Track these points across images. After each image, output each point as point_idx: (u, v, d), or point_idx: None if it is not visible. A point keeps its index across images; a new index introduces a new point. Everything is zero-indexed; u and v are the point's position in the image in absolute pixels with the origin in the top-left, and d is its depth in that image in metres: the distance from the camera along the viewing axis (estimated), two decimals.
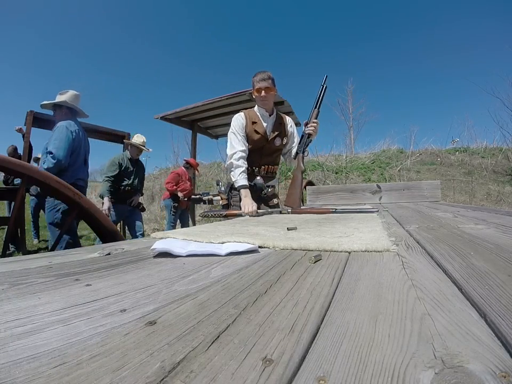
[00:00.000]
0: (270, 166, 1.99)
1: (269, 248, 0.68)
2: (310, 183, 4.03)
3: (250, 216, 1.61)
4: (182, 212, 4.62)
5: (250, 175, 1.93)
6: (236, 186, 1.86)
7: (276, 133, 1.95)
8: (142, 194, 3.70)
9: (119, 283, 0.42)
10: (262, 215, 1.63)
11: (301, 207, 1.97)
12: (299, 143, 1.90)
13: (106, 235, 1.45)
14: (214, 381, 0.19)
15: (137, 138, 3.40)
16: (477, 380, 0.18)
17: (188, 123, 5.52)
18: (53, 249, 1.56)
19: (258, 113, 1.94)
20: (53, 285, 0.42)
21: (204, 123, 5.67)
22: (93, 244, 2.75)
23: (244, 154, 1.84)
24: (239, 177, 1.82)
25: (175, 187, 4.33)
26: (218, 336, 0.25)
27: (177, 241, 0.73)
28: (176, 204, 4.40)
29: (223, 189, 2.34)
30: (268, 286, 0.40)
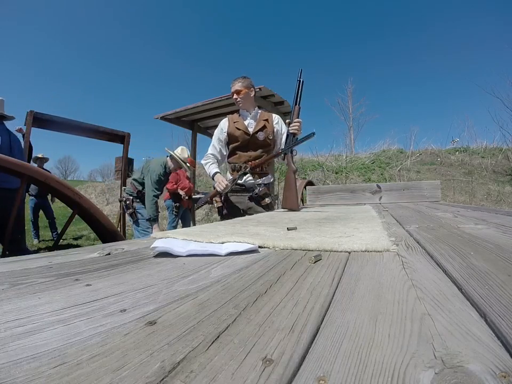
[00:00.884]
0: (257, 162, 1.98)
1: (269, 248, 0.68)
2: (310, 183, 4.03)
3: (223, 192, 1.85)
4: (184, 211, 4.61)
5: (240, 172, 1.98)
6: (210, 176, 2.05)
7: (259, 127, 1.99)
8: None
9: (119, 283, 0.42)
10: (231, 186, 1.88)
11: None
12: (285, 143, 1.89)
13: (106, 235, 1.45)
14: (214, 381, 0.19)
15: (182, 152, 3.09)
16: (477, 380, 0.18)
17: (188, 123, 5.52)
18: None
19: (240, 113, 2.09)
20: (53, 285, 0.42)
21: (204, 123, 5.67)
22: (93, 244, 2.75)
23: (212, 154, 2.10)
24: (210, 168, 2.05)
25: (175, 186, 4.34)
26: (218, 336, 0.25)
27: (177, 241, 0.73)
28: (177, 204, 4.40)
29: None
30: (268, 286, 0.40)
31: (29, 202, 4.87)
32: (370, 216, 1.39)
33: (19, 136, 3.65)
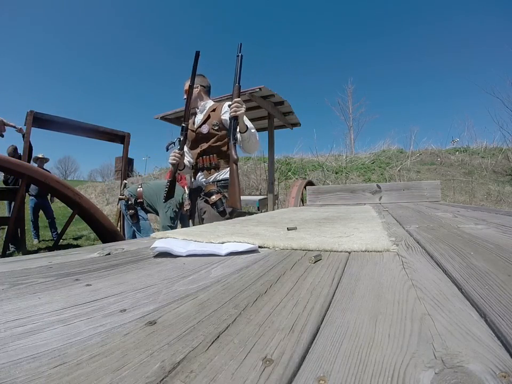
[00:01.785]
0: (207, 157, 1.78)
1: (269, 248, 0.68)
2: (310, 183, 4.03)
3: (175, 161, 1.68)
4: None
5: (194, 173, 1.87)
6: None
7: (203, 120, 1.82)
8: None
9: (119, 283, 0.42)
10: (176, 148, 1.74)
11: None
12: (228, 130, 1.69)
13: (106, 235, 1.45)
14: (214, 381, 0.19)
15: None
16: (477, 380, 0.18)
17: None
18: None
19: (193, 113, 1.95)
20: (53, 285, 0.42)
21: None
22: (93, 244, 2.73)
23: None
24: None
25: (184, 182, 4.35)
26: (218, 336, 0.25)
27: (177, 241, 0.73)
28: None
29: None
30: (268, 286, 0.40)
31: (29, 202, 4.87)
32: (370, 216, 1.39)
33: (19, 136, 3.65)
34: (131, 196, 2.85)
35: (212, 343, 0.24)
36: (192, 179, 1.92)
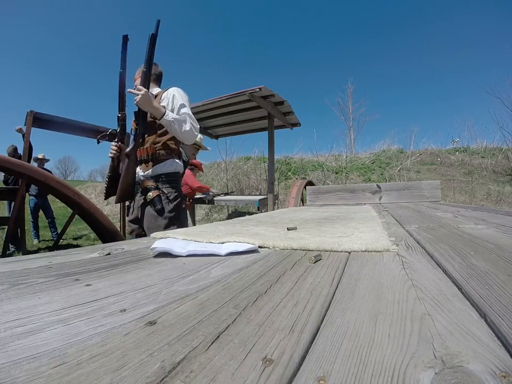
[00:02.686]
0: (144, 148, 1.58)
1: (269, 248, 0.68)
2: (310, 183, 4.03)
3: (112, 154, 1.54)
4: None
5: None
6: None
7: None
8: None
9: (119, 283, 0.42)
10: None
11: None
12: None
13: (106, 235, 1.45)
14: (214, 381, 0.19)
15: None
16: (477, 380, 0.18)
17: None
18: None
19: None
20: (53, 285, 0.42)
21: (204, 123, 5.66)
22: (93, 244, 2.73)
23: None
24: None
25: (190, 190, 4.33)
26: (218, 336, 0.25)
27: (177, 241, 0.73)
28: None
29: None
30: (268, 286, 0.40)
31: (29, 202, 4.87)
32: (370, 216, 1.39)
33: (19, 136, 3.65)
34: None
35: (212, 343, 0.24)
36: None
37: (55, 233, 5.24)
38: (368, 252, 0.59)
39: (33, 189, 4.75)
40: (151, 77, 1.59)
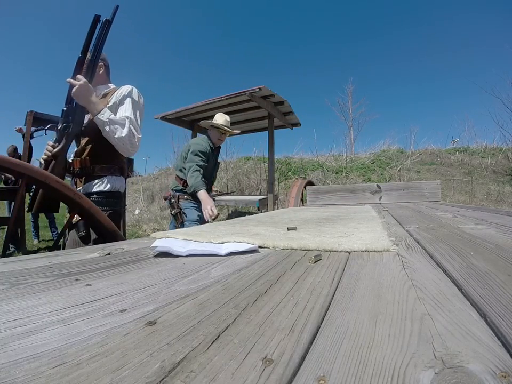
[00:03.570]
0: (77, 160, 1.31)
1: (269, 248, 0.68)
2: (310, 183, 4.03)
3: (45, 156, 1.27)
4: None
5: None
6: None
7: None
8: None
9: (119, 283, 0.42)
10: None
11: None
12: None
13: (106, 235, 1.45)
14: (214, 381, 0.19)
15: (220, 118, 2.35)
16: (477, 380, 0.18)
17: (188, 123, 5.52)
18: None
19: None
20: (53, 285, 0.42)
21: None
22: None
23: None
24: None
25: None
26: (218, 336, 0.25)
27: (177, 241, 0.73)
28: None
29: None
30: (268, 286, 0.40)
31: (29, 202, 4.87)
32: (370, 216, 1.39)
33: (19, 136, 3.65)
34: (175, 191, 2.41)
35: (212, 343, 0.24)
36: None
37: (55, 233, 5.24)
38: (368, 252, 0.59)
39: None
40: (106, 70, 1.41)
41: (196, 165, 2.11)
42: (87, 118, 1.33)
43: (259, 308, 0.32)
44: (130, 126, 1.31)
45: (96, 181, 1.32)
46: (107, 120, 1.24)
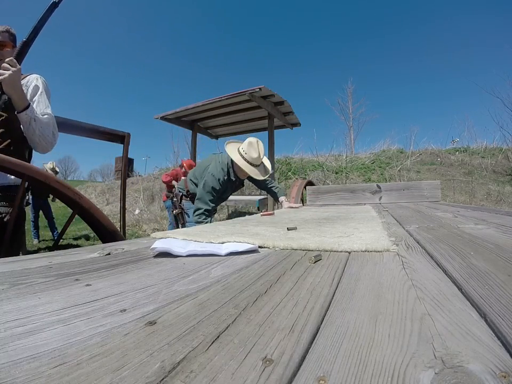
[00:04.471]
0: None
1: (269, 248, 0.68)
2: (310, 183, 4.03)
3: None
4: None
5: None
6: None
7: None
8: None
9: (119, 283, 0.42)
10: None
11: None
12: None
13: (106, 235, 1.45)
14: (214, 381, 0.19)
15: (250, 149, 1.92)
16: (477, 380, 0.18)
17: (188, 123, 5.53)
18: None
19: None
20: (53, 285, 0.42)
21: (204, 123, 5.67)
22: (93, 244, 2.72)
23: None
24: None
25: (169, 178, 4.46)
26: (218, 336, 0.25)
27: (177, 241, 0.73)
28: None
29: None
30: (268, 286, 0.40)
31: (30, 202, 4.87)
32: (370, 216, 1.39)
33: None
34: (179, 191, 2.39)
35: (212, 343, 0.24)
36: None
37: (55, 233, 5.24)
38: (368, 252, 0.59)
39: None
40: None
41: (205, 210, 1.94)
42: None
43: (259, 308, 0.32)
44: (55, 125, 1.26)
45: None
46: (34, 117, 1.16)
